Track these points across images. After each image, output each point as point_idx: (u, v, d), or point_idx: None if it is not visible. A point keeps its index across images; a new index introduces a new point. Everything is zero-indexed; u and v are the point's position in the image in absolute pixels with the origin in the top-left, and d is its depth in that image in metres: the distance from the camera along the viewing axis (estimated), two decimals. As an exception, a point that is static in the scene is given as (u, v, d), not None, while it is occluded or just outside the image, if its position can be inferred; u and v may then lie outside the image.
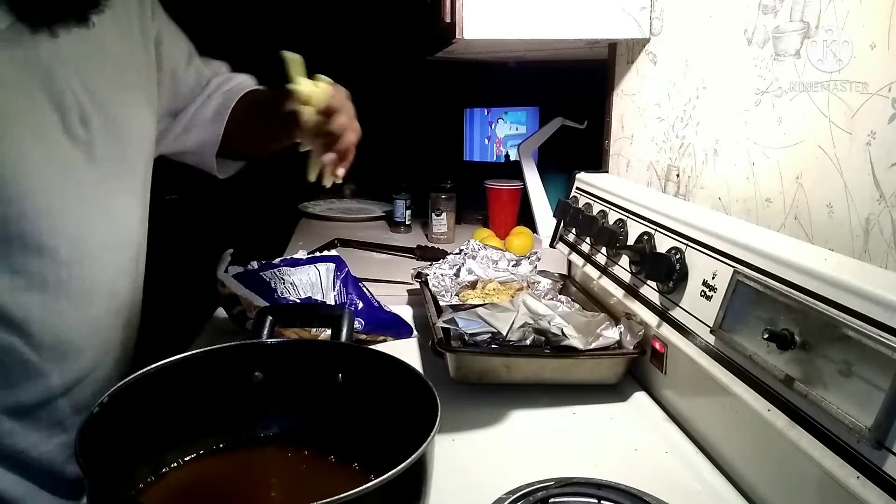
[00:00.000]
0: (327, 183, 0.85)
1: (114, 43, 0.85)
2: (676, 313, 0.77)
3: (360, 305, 1.13)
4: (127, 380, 0.61)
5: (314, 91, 0.80)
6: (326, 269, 1.15)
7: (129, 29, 0.89)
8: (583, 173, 1.19)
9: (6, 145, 0.72)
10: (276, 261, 1.17)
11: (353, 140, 0.87)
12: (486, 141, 2.37)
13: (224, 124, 1.02)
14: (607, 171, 1.21)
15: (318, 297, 1.10)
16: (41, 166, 0.75)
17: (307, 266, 1.14)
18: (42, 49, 0.75)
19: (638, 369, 0.95)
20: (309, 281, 1.11)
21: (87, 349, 0.84)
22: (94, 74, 0.81)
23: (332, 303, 1.11)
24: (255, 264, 1.17)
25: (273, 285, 1.07)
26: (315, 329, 1.00)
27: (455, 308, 0.97)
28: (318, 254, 1.25)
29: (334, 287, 1.13)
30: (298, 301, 1.07)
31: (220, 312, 1.13)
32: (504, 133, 2.33)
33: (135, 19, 0.90)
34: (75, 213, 0.79)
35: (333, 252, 1.28)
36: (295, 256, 1.20)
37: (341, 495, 0.46)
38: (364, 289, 1.19)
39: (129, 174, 0.88)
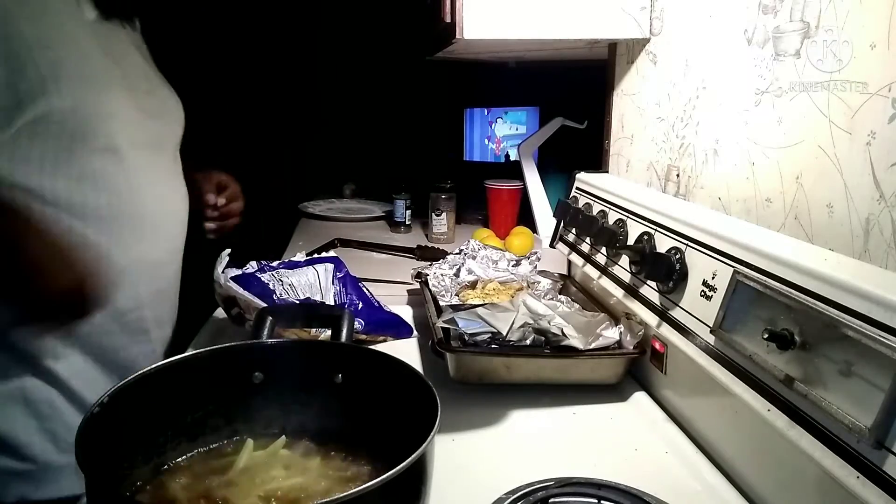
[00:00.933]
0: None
1: (146, 54, 1.08)
2: (676, 313, 0.77)
3: (360, 305, 1.13)
4: (127, 380, 0.61)
5: None
6: (325, 269, 1.15)
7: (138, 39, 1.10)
8: (583, 173, 1.19)
9: (107, 106, 0.92)
10: (275, 263, 1.17)
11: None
12: (486, 141, 2.37)
13: None
14: (607, 171, 1.21)
15: (318, 297, 1.10)
16: (128, 126, 0.95)
17: (306, 267, 1.14)
18: (117, 39, 0.98)
19: (638, 369, 0.95)
20: (308, 282, 1.10)
21: (162, 266, 1.04)
22: (145, 62, 1.05)
23: (332, 303, 1.11)
24: (253, 265, 1.17)
25: (272, 287, 1.07)
26: (315, 329, 1.00)
27: (455, 308, 0.97)
28: (316, 255, 1.24)
29: (333, 287, 1.13)
30: (297, 302, 1.07)
31: (220, 312, 1.13)
32: (504, 133, 2.33)
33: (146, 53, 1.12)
34: (150, 163, 0.99)
35: (332, 253, 1.27)
36: (293, 259, 1.20)
37: (341, 495, 0.46)
38: (364, 289, 1.19)
39: (173, 147, 1.09)
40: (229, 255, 1.12)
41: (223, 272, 1.08)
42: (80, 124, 0.88)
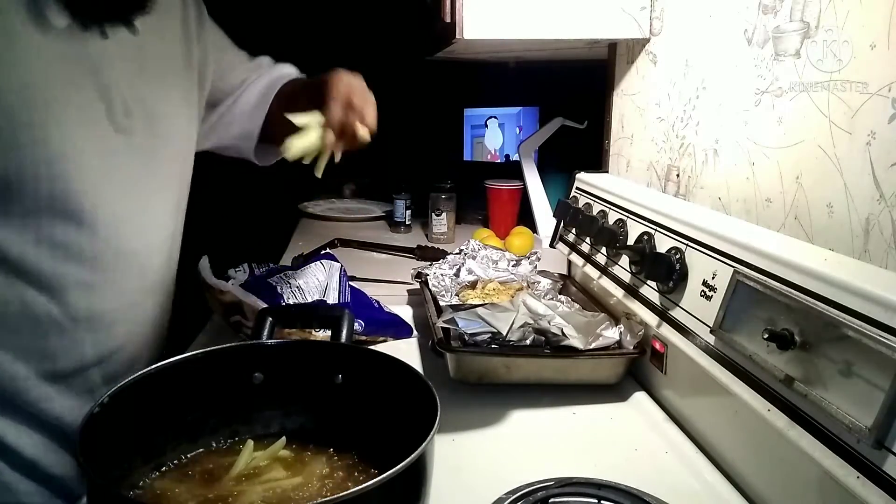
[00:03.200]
0: (317, 170, 0.88)
1: (155, 46, 0.92)
2: (676, 313, 0.77)
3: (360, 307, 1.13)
4: (127, 380, 0.61)
5: (308, 145, 0.84)
6: (330, 267, 1.15)
7: (172, 34, 0.96)
8: (583, 173, 1.19)
9: (57, 129, 0.79)
10: (271, 268, 1.16)
11: (359, 131, 0.90)
12: (477, 142, 2.36)
13: (264, 116, 1.08)
14: (607, 171, 1.21)
15: (331, 299, 1.09)
16: (87, 149, 0.81)
17: (312, 266, 1.14)
18: (91, 47, 0.82)
19: (638, 369, 0.95)
20: (316, 283, 1.10)
21: (120, 323, 0.90)
22: (137, 74, 0.88)
23: (336, 301, 1.11)
24: (245, 268, 1.16)
25: (279, 289, 1.06)
26: (314, 330, 1.00)
27: (455, 308, 0.97)
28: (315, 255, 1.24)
29: (338, 286, 1.13)
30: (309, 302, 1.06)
31: (220, 312, 1.13)
32: (495, 145, 2.33)
33: (178, 25, 0.97)
34: (114, 193, 0.85)
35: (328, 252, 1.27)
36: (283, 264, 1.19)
37: (341, 495, 0.46)
38: (361, 290, 1.19)
39: (164, 166, 0.93)
40: (208, 259, 1.11)
41: (229, 279, 1.08)
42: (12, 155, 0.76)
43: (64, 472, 0.86)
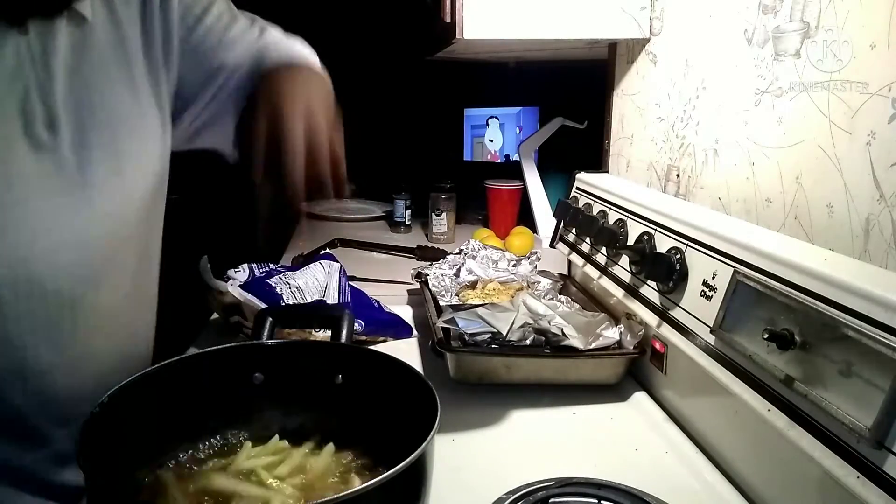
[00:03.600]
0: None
1: (105, 33, 0.76)
2: (676, 313, 0.77)
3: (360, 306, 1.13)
4: (127, 380, 0.61)
5: None
6: (329, 267, 1.14)
7: (128, 14, 0.79)
8: (583, 173, 1.19)
9: None
10: (273, 266, 1.16)
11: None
12: (478, 142, 2.36)
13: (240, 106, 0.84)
14: (607, 171, 1.21)
15: (330, 299, 1.09)
16: (5, 174, 0.67)
17: (312, 266, 1.14)
18: (8, 47, 0.68)
19: (638, 369, 0.95)
20: (315, 283, 1.10)
21: (59, 372, 0.75)
22: (73, 71, 0.72)
23: (336, 301, 1.11)
24: (245, 268, 1.16)
25: (279, 290, 1.06)
26: (314, 330, 1.00)
27: (455, 308, 0.97)
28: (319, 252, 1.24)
29: (338, 286, 1.12)
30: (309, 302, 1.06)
31: (221, 312, 1.13)
32: (494, 146, 2.33)
33: (134, 18, 0.79)
34: (23, 229, 0.69)
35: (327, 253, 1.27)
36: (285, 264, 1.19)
37: (341, 494, 0.46)
38: (361, 290, 1.19)
39: (97, 184, 0.74)
40: (208, 260, 1.10)
41: (228, 280, 1.08)
42: None
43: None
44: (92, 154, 0.73)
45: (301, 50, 0.92)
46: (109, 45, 0.76)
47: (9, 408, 0.73)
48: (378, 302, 1.16)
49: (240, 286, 1.05)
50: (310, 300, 1.07)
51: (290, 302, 1.05)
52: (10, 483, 0.76)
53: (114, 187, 0.76)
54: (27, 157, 0.69)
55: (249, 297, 1.02)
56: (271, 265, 1.18)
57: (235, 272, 1.15)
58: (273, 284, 1.07)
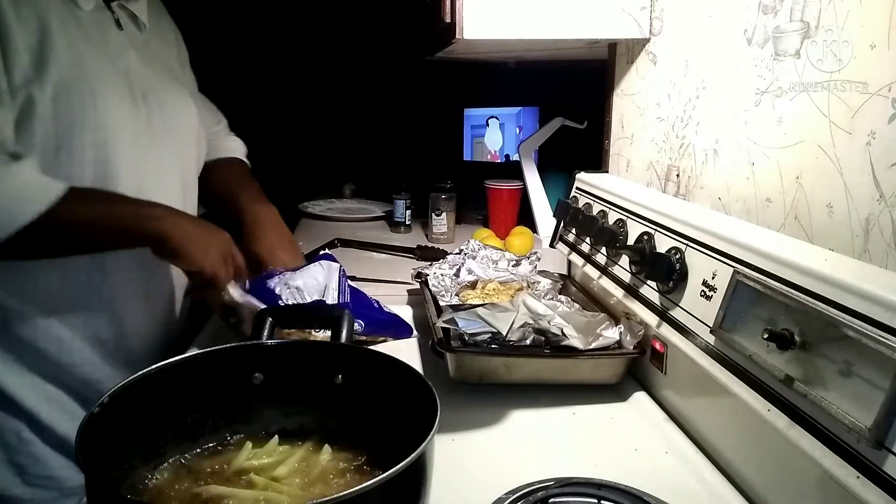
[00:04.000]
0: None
1: (157, 46, 1.08)
2: (676, 313, 0.77)
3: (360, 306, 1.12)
4: (128, 380, 0.61)
5: None
6: (329, 267, 1.14)
7: (170, 49, 1.14)
8: (583, 173, 1.19)
9: (102, 100, 0.92)
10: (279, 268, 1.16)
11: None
12: (479, 143, 2.36)
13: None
14: (607, 171, 1.21)
15: (330, 299, 1.09)
16: (120, 121, 0.94)
17: (311, 266, 1.14)
18: (112, 35, 0.97)
19: (638, 369, 0.95)
20: (315, 283, 1.09)
21: (152, 297, 1.03)
22: (146, 65, 1.02)
23: (335, 301, 1.11)
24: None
25: (278, 291, 1.06)
26: (314, 330, 1.00)
27: (455, 308, 0.97)
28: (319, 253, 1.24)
29: (339, 287, 1.12)
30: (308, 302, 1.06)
31: (221, 312, 1.12)
32: (495, 146, 2.33)
33: (172, 47, 1.15)
34: (138, 164, 0.98)
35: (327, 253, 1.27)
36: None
37: (341, 494, 0.46)
38: (361, 290, 1.18)
39: (173, 147, 1.06)
40: None
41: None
42: (66, 120, 0.88)
43: None
44: (171, 121, 1.05)
45: (240, 151, 1.33)
46: (160, 54, 1.09)
47: (116, 328, 0.99)
48: (378, 302, 1.16)
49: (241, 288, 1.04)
50: (309, 300, 1.06)
51: (290, 302, 1.05)
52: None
53: (180, 148, 1.08)
54: (135, 113, 0.98)
55: (249, 297, 1.02)
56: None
57: None
58: (272, 285, 1.07)
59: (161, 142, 1.02)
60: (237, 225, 1.13)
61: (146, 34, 1.04)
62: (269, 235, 1.12)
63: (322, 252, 1.23)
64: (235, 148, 1.31)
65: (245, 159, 1.32)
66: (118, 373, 1.00)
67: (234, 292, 1.03)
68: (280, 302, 1.04)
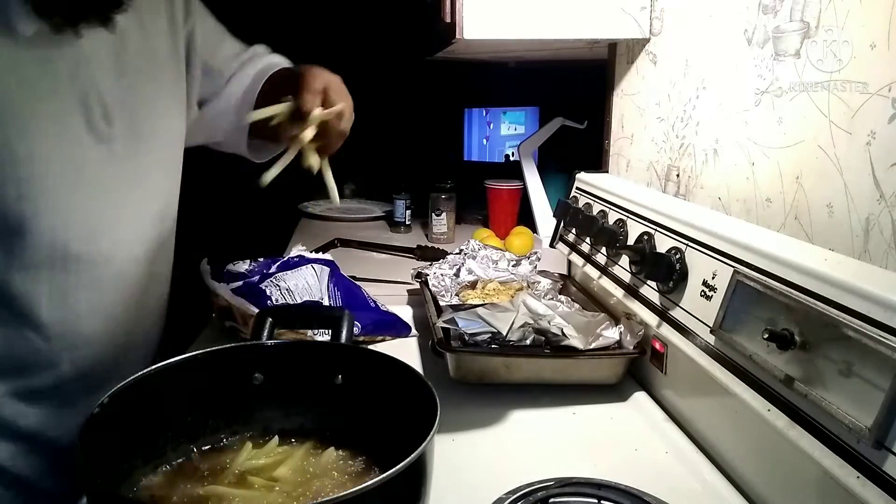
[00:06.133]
0: (310, 164, 0.89)
1: (138, 43, 0.87)
2: (676, 313, 0.77)
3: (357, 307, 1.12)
4: (128, 380, 0.61)
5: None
6: (321, 271, 1.14)
7: (156, 28, 0.91)
8: (583, 173, 1.19)
9: (29, 145, 0.75)
10: (270, 265, 1.16)
11: (340, 126, 0.89)
12: (485, 141, 2.37)
13: (252, 107, 1.00)
14: (607, 171, 1.21)
15: (317, 297, 1.09)
16: (61, 164, 0.78)
17: (303, 268, 1.14)
18: (66, 51, 0.77)
19: (638, 369, 0.95)
20: (305, 284, 1.10)
21: (99, 340, 0.86)
22: (118, 74, 0.83)
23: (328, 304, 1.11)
24: (243, 264, 1.16)
25: (268, 292, 1.06)
26: (311, 331, 1.00)
27: (455, 308, 0.97)
28: (312, 254, 1.23)
29: (328, 291, 1.12)
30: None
31: (221, 312, 1.13)
32: (505, 133, 2.33)
33: (162, 18, 0.92)
34: (89, 210, 0.82)
35: (328, 255, 1.27)
36: (290, 257, 1.19)
37: (341, 494, 0.46)
38: (360, 289, 1.19)
39: (147, 173, 0.89)
40: (209, 263, 1.11)
41: (221, 283, 1.08)
42: None
43: (36, 475, 0.84)
44: (144, 145, 0.87)
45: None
46: (142, 52, 0.88)
47: (55, 374, 0.84)
48: (375, 301, 1.16)
49: (231, 290, 1.05)
50: (299, 301, 1.06)
51: (279, 303, 1.05)
52: (45, 454, 0.85)
53: (163, 174, 0.93)
54: (91, 148, 0.81)
55: (240, 300, 1.02)
56: (271, 259, 1.18)
57: (235, 265, 1.15)
58: (263, 287, 1.07)
59: (130, 169, 0.86)
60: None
61: (123, 31, 0.83)
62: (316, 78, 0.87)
63: (316, 255, 1.23)
64: (275, 61, 1.08)
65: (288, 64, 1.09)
66: (57, 414, 0.85)
67: (226, 293, 1.03)
68: (269, 302, 1.04)
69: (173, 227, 0.99)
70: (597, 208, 1.06)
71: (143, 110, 0.87)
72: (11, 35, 0.72)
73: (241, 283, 1.11)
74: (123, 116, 0.84)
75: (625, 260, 0.93)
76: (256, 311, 0.98)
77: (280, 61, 1.09)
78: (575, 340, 0.89)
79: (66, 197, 0.79)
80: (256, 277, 1.13)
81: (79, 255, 0.81)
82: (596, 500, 0.64)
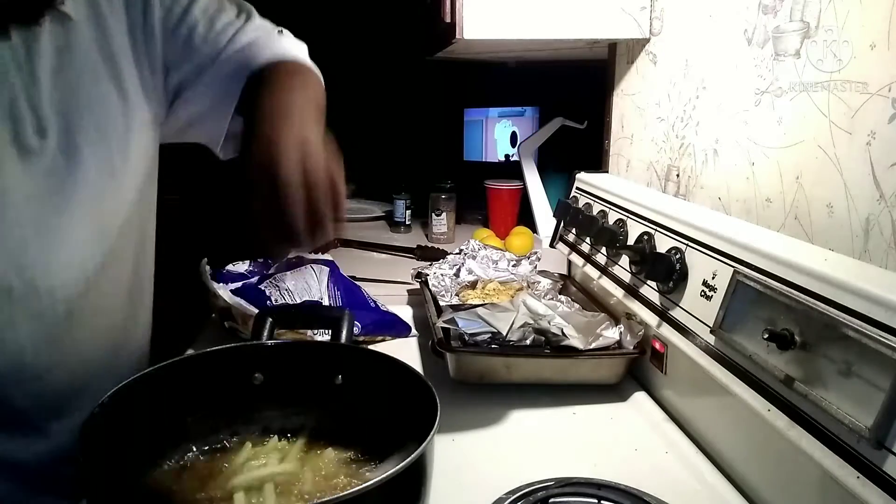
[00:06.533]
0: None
1: (84, 35, 0.75)
2: (676, 313, 0.77)
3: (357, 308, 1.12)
4: (128, 380, 0.61)
5: None
6: (320, 271, 1.14)
7: (112, 15, 0.77)
8: (583, 173, 1.19)
9: None
10: (272, 269, 1.16)
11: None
12: (484, 142, 2.36)
13: (233, 102, 0.82)
14: (607, 171, 1.21)
15: (316, 297, 1.09)
16: None
17: (302, 268, 1.14)
18: None
19: (638, 369, 0.95)
20: (304, 285, 1.10)
21: (55, 371, 0.77)
22: (55, 74, 0.72)
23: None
24: (242, 265, 1.16)
25: (267, 293, 1.06)
26: (310, 331, 1.00)
27: (455, 308, 0.97)
28: (311, 255, 1.23)
29: (328, 290, 1.12)
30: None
31: (221, 312, 1.13)
32: (501, 134, 2.33)
33: (119, 11, 0.78)
34: (14, 235, 0.71)
35: (328, 256, 1.27)
36: (289, 256, 1.19)
37: (341, 495, 0.46)
38: (360, 289, 1.19)
39: (82, 188, 0.75)
40: (208, 262, 1.11)
41: (220, 283, 1.08)
42: None
43: (11, 496, 0.78)
44: (81, 156, 0.74)
45: (290, 48, 0.88)
46: (94, 42, 0.75)
47: (8, 407, 0.76)
48: (375, 301, 1.16)
49: (231, 291, 1.05)
50: (299, 301, 1.07)
51: (279, 303, 1.05)
52: (14, 479, 0.78)
53: (104, 186, 0.77)
54: (16, 165, 0.70)
55: (239, 300, 1.02)
56: (271, 261, 1.18)
57: (234, 266, 1.15)
58: (262, 288, 1.07)
59: (59, 184, 0.73)
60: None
61: (75, 22, 0.73)
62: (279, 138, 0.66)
63: (316, 255, 1.23)
64: (284, 50, 0.86)
65: (305, 60, 0.89)
66: (22, 440, 0.78)
67: (225, 294, 1.03)
68: (268, 302, 1.04)
69: (144, 243, 0.87)
70: (597, 208, 1.06)
71: (85, 116, 0.74)
72: None
73: (240, 283, 1.11)
74: (62, 123, 0.72)
75: (625, 260, 0.93)
76: (256, 311, 0.98)
77: (281, 50, 0.86)
78: (575, 340, 0.89)
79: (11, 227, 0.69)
80: (256, 278, 1.13)
81: (10, 288, 0.71)
82: (596, 500, 0.64)
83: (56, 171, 0.73)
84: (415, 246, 1.72)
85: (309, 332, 1.00)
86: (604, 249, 1.01)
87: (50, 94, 0.72)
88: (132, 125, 0.80)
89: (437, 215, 1.83)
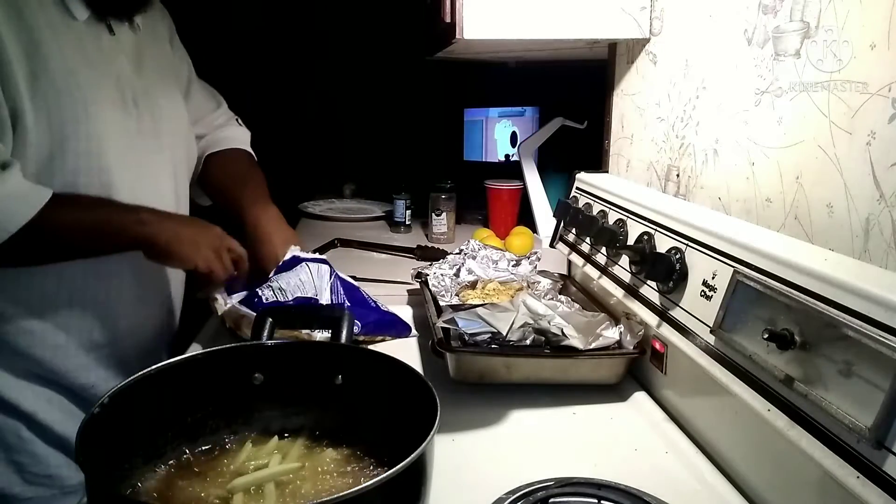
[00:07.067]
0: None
1: (151, 47, 1.07)
2: (676, 313, 0.77)
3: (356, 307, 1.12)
4: (128, 380, 0.61)
5: None
6: (318, 269, 1.14)
7: (163, 43, 1.13)
8: (583, 173, 1.19)
9: (95, 108, 0.92)
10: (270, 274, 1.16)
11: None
12: (484, 142, 2.36)
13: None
14: (607, 171, 1.21)
15: (310, 295, 1.09)
16: (113, 128, 0.95)
17: (298, 268, 1.13)
18: (104, 41, 0.97)
19: (638, 369, 0.95)
20: (298, 282, 1.09)
21: (145, 298, 1.05)
22: (138, 68, 1.02)
23: (328, 301, 1.10)
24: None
25: (260, 292, 1.06)
26: (308, 331, 0.99)
27: (455, 308, 0.97)
28: (307, 254, 1.23)
29: (329, 289, 1.12)
30: (290, 302, 1.06)
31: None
32: (502, 135, 2.33)
33: (164, 38, 1.14)
34: (130, 169, 0.98)
35: (327, 255, 1.26)
36: (285, 259, 1.18)
37: (341, 494, 0.46)
38: (360, 290, 1.18)
39: (167, 150, 1.07)
40: None
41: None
42: (58, 130, 0.88)
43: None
44: (160, 123, 1.05)
45: (243, 140, 1.29)
46: (154, 54, 1.07)
47: (113, 332, 1.01)
48: (375, 301, 1.16)
49: (227, 295, 1.05)
50: (292, 298, 1.06)
51: (270, 301, 1.04)
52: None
53: (175, 158, 1.10)
54: (122, 118, 0.98)
55: (235, 303, 1.02)
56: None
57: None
58: (256, 289, 1.07)
59: (153, 146, 1.03)
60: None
61: (141, 34, 1.05)
62: (272, 239, 1.11)
63: (311, 255, 1.22)
64: (238, 137, 1.28)
65: (249, 149, 1.29)
66: (112, 376, 1.01)
67: (221, 298, 1.03)
68: (255, 300, 1.04)
69: (183, 202, 1.15)
70: (597, 208, 1.06)
71: (159, 101, 1.05)
72: (68, 20, 0.92)
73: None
74: (145, 102, 1.01)
75: (625, 260, 0.93)
76: (247, 310, 0.98)
77: (234, 142, 1.26)
78: (575, 340, 0.89)
79: (116, 157, 0.95)
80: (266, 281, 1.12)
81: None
82: (596, 500, 0.64)
83: (149, 132, 1.03)
84: (415, 246, 1.72)
85: (307, 332, 1.00)
86: (604, 249, 1.00)
87: (136, 81, 1.01)
88: (185, 127, 1.14)
89: (437, 215, 1.83)
